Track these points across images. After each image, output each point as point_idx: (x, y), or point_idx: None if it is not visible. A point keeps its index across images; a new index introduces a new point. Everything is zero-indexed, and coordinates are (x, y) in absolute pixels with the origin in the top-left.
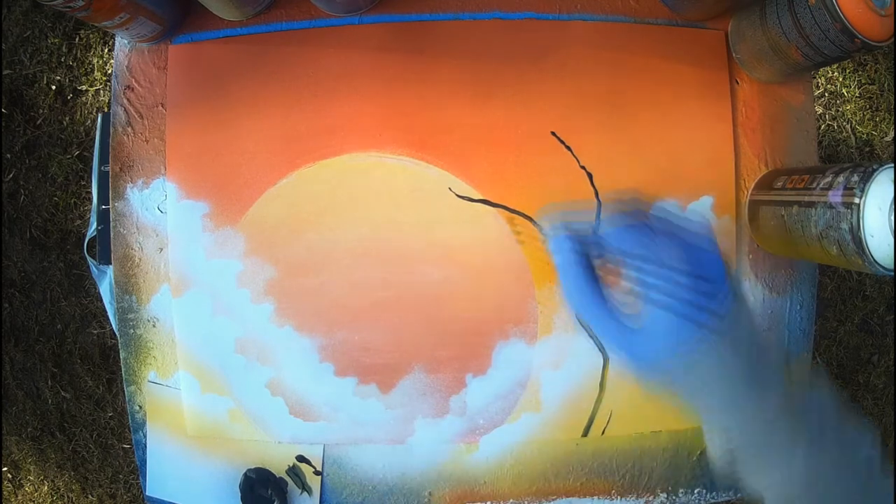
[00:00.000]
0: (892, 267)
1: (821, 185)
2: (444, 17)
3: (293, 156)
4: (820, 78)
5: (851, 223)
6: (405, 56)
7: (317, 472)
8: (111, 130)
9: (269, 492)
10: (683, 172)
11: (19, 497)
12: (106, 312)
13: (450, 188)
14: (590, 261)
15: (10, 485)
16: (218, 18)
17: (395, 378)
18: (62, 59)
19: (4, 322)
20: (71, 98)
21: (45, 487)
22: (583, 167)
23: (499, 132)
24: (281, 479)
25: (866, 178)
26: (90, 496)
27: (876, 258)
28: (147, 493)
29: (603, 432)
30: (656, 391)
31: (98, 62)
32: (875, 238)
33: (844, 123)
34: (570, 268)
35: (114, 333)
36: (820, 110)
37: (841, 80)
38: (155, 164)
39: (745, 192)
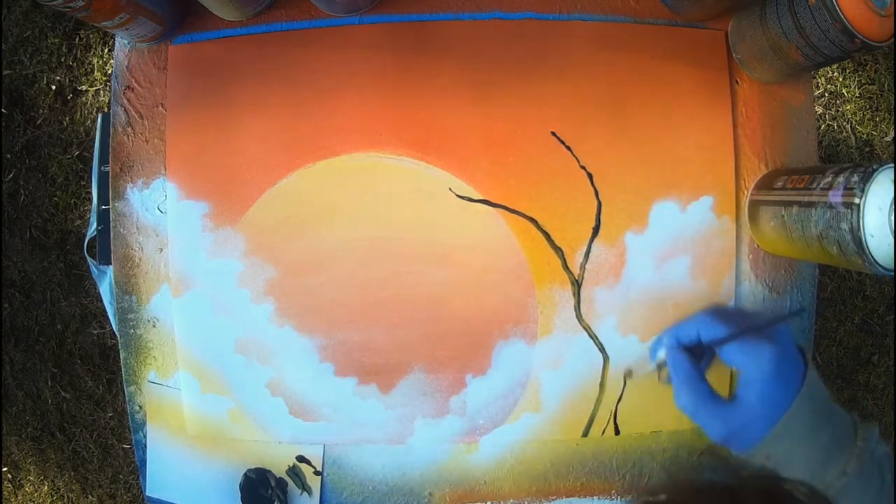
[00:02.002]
0: (892, 267)
1: (821, 185)
2: (444, 17)
3: (293, 156)
4: (820, 78)
5: (851, 223)
6: (405, 56)
7: (317, 472)
8: (111, 130)
9: (270, 492)
10: (683, 172)
11: (19, 497)
12: (106, 312)
13: (450, 188)
14: (697, 366)
15: (10, 485)
16: (218, 18)
17: (395, 378)
18: (62, 59)
19: (4, 322)
20: (71, 98)
21: (45, 487)
22: (583, 167)
23: (499, 132)
24: (281, 479)
25: (866, 178)
26: (90, 496)
27: (876, 258)
28: (147, 493)
29: (603, 432)
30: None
31: (98, 62)
32: (875, 238)
33: (844, 123)
34: (685, 374)
35: (114, 333)
36: (820, 110)
37: (841, 80)
38: (155, 164)
39: (745, 192)
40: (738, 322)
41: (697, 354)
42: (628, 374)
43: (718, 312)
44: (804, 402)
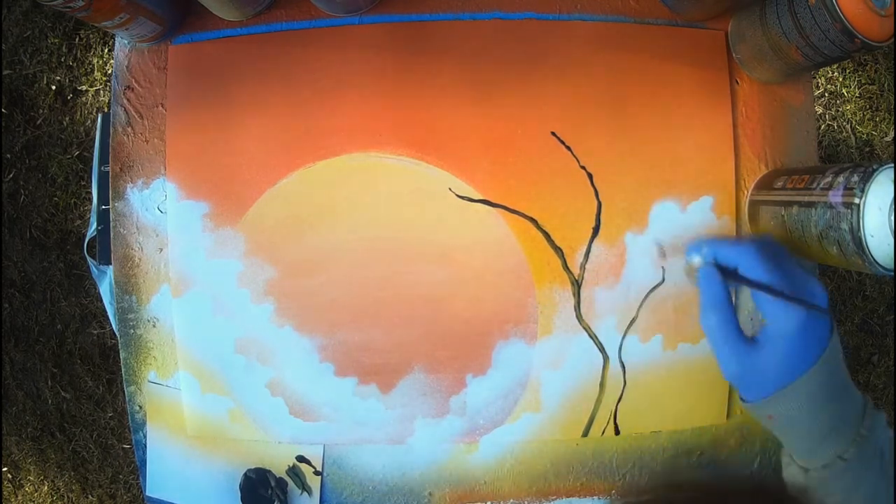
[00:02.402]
0: (892, 267)
1: (821, 185)
2: (444, 17)
3: (293, 156)
4: (820, 78)
5: (851, 223)
6: (405, 56)
7: (317, 473)
8: (111, 130)
9: (269, 492)
10: (683, 172)
11: (19, 497)
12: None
13: (450, 188)
14: (729, 291)
15: (10, 485)
16: (218, 18)
17: (395, 378)
18: (62, 59)
19: (4, 322)
20: (71, 98)
21: (45, 487)
22: (583, 167)
23: (499, 132)
24: (281, 479)
25: (866, 178)
26: (90, 496)
27: (876, 258)
28: (147, 493)
29: (603, 432)
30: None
31: (98, 62)
32: (875, 238)
33: (844, 123)
34: (716, 297)
35: (114, 333)
36: (820, 110)
37: (841, 80)
38: (155, 164)
39: (745, 192)
40: (781, 275)
41: (730, 274)
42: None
43: (764, 252)
44: (820, 373)
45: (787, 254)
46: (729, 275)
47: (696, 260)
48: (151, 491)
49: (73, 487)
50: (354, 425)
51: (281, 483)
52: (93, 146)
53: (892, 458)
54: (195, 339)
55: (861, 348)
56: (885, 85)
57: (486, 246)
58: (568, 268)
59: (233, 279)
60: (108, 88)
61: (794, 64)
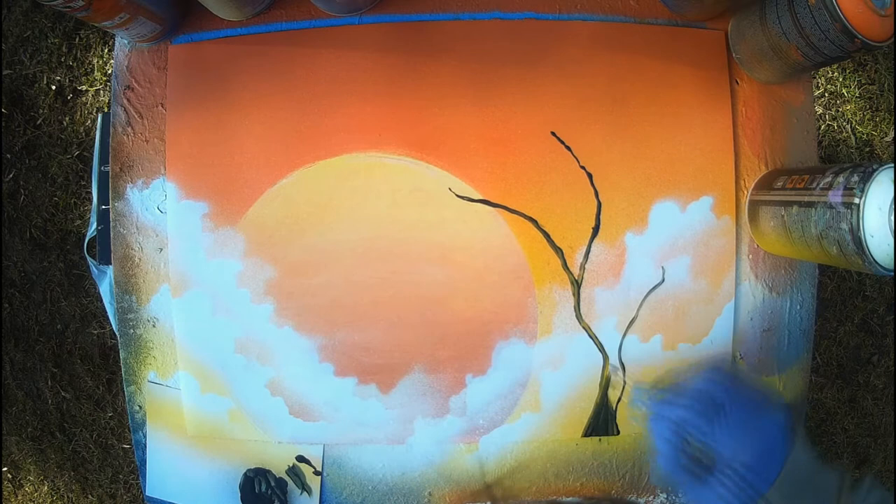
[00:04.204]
0: (892, 267)
1: (821, 185)
2: (444, 17)
3: (293, 156)
4: (820, 78)
5: (851, 223)
6: (405, 56)
7: (317, 472)
8: (111, 130)
9: (269, 492)
10: (683, 172)
11: (19, 497)
12: (106, 312)
13: (450, 188)
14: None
15: (10, 485)
16: (218, 18)
17: (395, 378)
18: (62, 59)
19: (4, 322)
20: (71, 98)
21: (45, 487)
22: (583, 167)
23: (499, 132)
24: (281, 479)
25: (866, 178)
26: (90, 496)
27: (876, 258)
28: (147, 493)
29: (603, 432)
30: None
31: (98, 62)
32: (875, 238)
33: (844, 123)
34: (665, 445)
35: (114, 333)
36: (820, 110)
37: (841, 80)
38: (155, 164)
39: (745, 192)
40: (721, 425)
41: (678, 424)
42: (614, 373)
43: (704, 405)
44: (787, 479)
45: (737, 380)
46: (676, 424)
47: (642, 410)
48: (151, 491)
49: (73, 487)
50: (354, 425)
51: (281, 483)
52: (93, 146)
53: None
54: (195, 339)
55: (861, 348)
56: (885, 85)
57: (485, 246)
58: (568, 268)
59: (233, 279)
60: (108, 88)
61: (794, 64)
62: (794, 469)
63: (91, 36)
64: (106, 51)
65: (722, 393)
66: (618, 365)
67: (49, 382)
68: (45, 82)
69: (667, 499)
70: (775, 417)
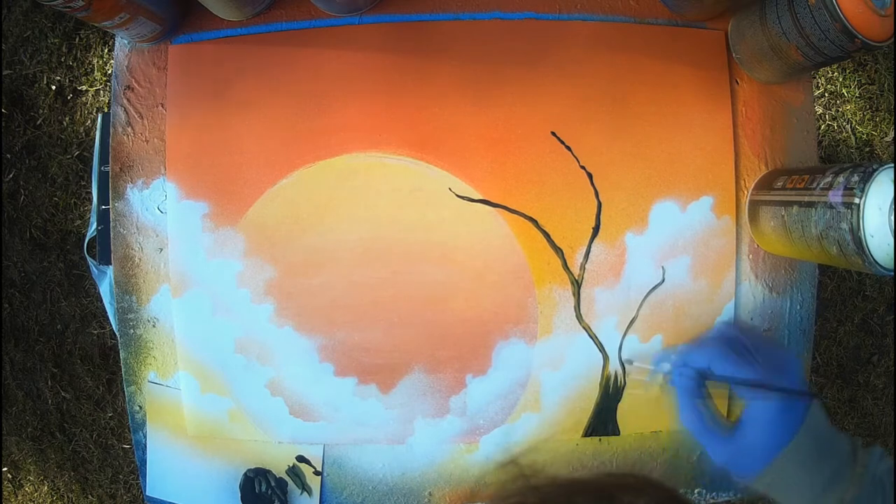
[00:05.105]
0: (892, 267)
1: (821, 185)
2: (444, 17)
3: (293, 156)
4: (820, 78)
5: (851, 223)
6: (405, 56)
7: (317, 472)
8: (111, 130)
9: (269, 492)
10: (683, 172)
11: (19, 497)
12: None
13: (450, 188)
14: (702, 388)
15: (10, 485)
16: (218, 18)
17: (395, 378)
18: (62, 59)
19: (4, 322)
20: (71, 98)
21: (45, 487)
22: (583, 167)
23: (499, 132)
24: (281, 479)
25: (866, 178)
26: (90, 496)
27: (876, 258)
28: (147, 493)
29: (603, 432)
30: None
31: (98, 62)
32: (875, 238)
33: (844, 123)
34: (688, 399)
35: (114, 333)
36: (820, 110)
37: (841, 80)
38: (155, 164)
39: (745, 192)
40: (752, 364)
41: (702, 374)
42: (628, 363)
43: (732, 346)
44: (804, 439)
45: (756, 335)
46: (701, 374)
47: (666, 367)
48: (151, 491)
49: (73, 487)
50: (354, 425)
51: (281, 483)
52: (93, 146)
53: (892, 487)
54: (195, 339)
55: (861, 348)
56: (885, 85)
57: (486, 246)
58: (568, 268)
59: (233, 279)
60: (108, 88)
61: (794, 64)
62: (812, 427)
63: (91, 36)
64: (106, 51)
65: (744, 338)
66: (618, 365)
67: (49, 382)
68: (45, 82)
69: (523, 500)
70: (796, 365)
